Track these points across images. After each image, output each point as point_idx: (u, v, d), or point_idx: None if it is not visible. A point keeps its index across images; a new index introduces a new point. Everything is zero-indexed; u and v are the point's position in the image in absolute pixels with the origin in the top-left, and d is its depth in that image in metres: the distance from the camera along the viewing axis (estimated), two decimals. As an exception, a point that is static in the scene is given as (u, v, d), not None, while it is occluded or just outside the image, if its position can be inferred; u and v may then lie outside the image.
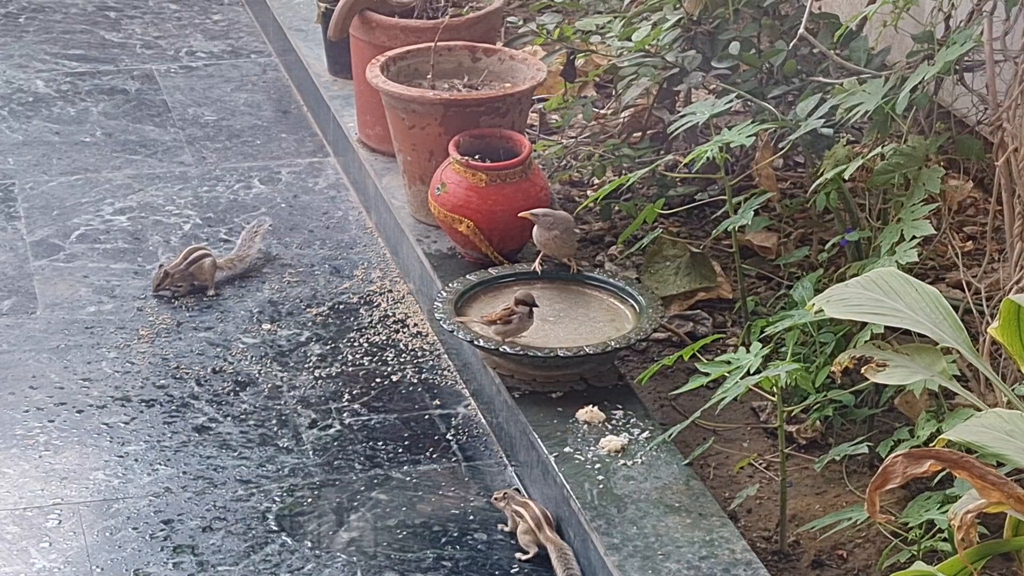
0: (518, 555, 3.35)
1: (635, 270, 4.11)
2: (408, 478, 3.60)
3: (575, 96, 4.70)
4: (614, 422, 3.51)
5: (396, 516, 3.48)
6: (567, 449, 3.43)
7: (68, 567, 3.30)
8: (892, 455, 2.62)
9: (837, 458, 3.36)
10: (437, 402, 3.87)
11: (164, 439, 3.70)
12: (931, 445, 2.96)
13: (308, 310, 4.22)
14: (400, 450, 3.69)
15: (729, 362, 3.30)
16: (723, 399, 3.27)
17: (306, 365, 3.99)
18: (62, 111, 5.27)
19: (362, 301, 4.27)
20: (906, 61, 3.70)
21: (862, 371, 2.95)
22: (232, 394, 3.87)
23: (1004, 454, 2.50)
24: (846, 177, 3.56)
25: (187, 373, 3.95)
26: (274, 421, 3.78)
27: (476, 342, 3.62)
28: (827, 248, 3.77)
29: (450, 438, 3.74)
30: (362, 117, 4.72)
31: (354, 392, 3.89)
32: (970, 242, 4.07)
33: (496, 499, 3.47)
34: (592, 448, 3.43)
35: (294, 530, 3.43)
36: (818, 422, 3.53)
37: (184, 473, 3.59)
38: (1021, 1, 3.52)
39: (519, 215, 3.89)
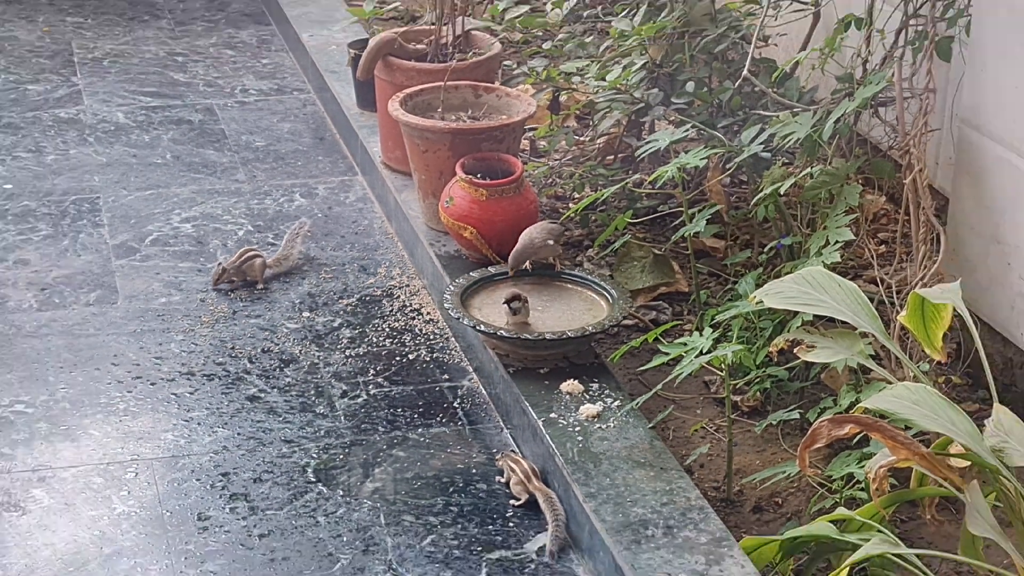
0: (512, 502, 3.37)
1: (608, 269, 4.12)
2: (422, 439, 3.61)
3: (559, 126, 4.70)
4: (591, 393, 3.53)
5: (412, 470, 3.49)
6: (552, 415, 3.44)
7: (143, 511, 3.32)
8: (819, 420, 2.66)
9: (774, 423, 3.38)
10: (446, 376, 3.87)
11: (222, 407, 3.71)
12: (851, 412, 2.98)
13: (340, 301, 4.23)
14: (415, 416, 3.70)
15: (685, 344, 3.32)
16: (680, 374, 3.29)
17: (338, 346, 3.99)
18: (138, 138, 5.27)
19: (384, 294, 4.27)
20: (831, 97, 3.71)
21: (795, 351, 2.97)
22: (278, 370, 3.88)
23: (911, 419, 2.52)
24: (781, 192, 3.58)
25: (241, 352, 3.95)
26: (312, 392, 3.78)
27: (478, 328, 3.62)
28: (766, 250, 3.78)
29: (456, 406, 3.75)
30: (384, 143, 4.73)
31: (378, 368, 3.90)
32: (883, 246, 4.06)
33: (498, 459, 3.49)
34: (573, 414, 3.44)
35: (328, 481, 3.44)
36: (758, 393, 3.54)
37: (238, 434, 3.60)
38: (925, 49, 3.53)
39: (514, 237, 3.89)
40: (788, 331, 3.25)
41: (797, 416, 3.34)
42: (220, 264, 4.27)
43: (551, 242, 3.84)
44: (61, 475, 3.44)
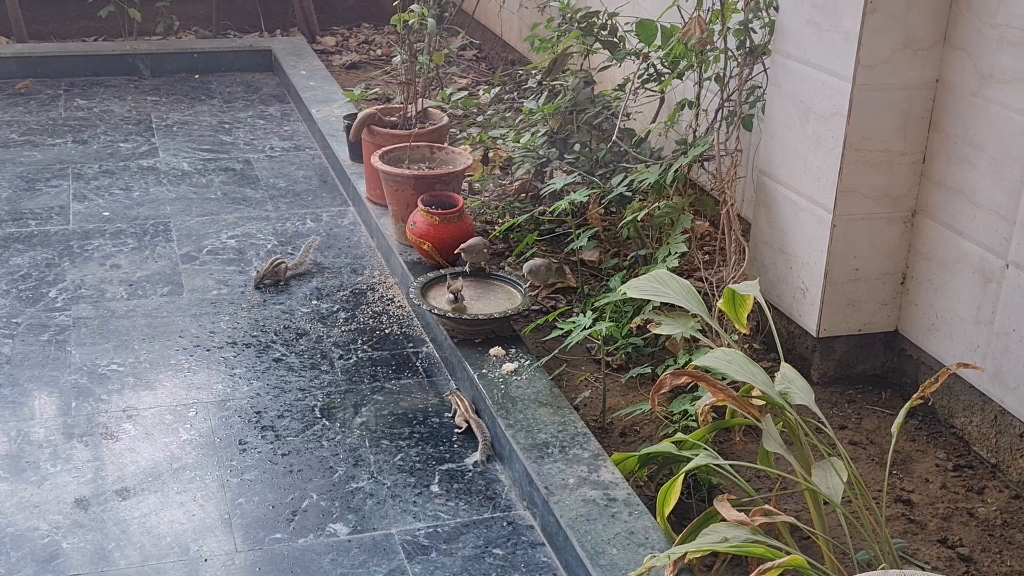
0: (456, 429, 3.35)
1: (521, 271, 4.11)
2: (394, 387, 3.58)
3: (489, 174, 4.70)
4: (510, 355, 3.51)
5: (387, 409, 3.46)
6: (484, 370, 3.43)
7: (200, 438, 3.27)
8: (664, 373, 2.65)
9: (634, 375, 3.40)
10: (411, 344, 3.84)
11: (256, 366, 3.66)
12: (686, 368, 2.99)
13: (338, 293, 4.18)
14: (390, 372, 3.67)
15: (574, 322, 3.33)
16: (570, 343, 3.30)
17: (337, 323, 3.95)
18: (198, 180, 5.18)
19: (368, 288, 4.23)
20: (672, 155, 3.73)
21: (648, 327, 2.98)
22: (295, 340, 3.83)
23: (726, 373, 2.52)
24: (639, 219, 3.60)
25: (269, 328, 3.90)
26: (319, 355, 3.74)
27: (433, 311, 3.60)
28: (628, 259, 3.80)
29: (418, 365, 3.72)
30: (368, 184, 4.69)
31: (364, 339, 3.86)
32: (707, 256, 4.11)
33: (447, 395, 3.47)
34: (498, 370, 3.43)
35: (330, 417, 3.40)
36: (623, 355, 3.55)
37: (268, 385, 3.55)
38: (735, 123, 3.57)
39: (455, 251, 3.87)
40: (643, 313, 3.26)
41: (649, 371, 3.36)
42: (257, 272, 4.21)
43: (484, 251, 3.82)
44: (143, 413, 3.38)
